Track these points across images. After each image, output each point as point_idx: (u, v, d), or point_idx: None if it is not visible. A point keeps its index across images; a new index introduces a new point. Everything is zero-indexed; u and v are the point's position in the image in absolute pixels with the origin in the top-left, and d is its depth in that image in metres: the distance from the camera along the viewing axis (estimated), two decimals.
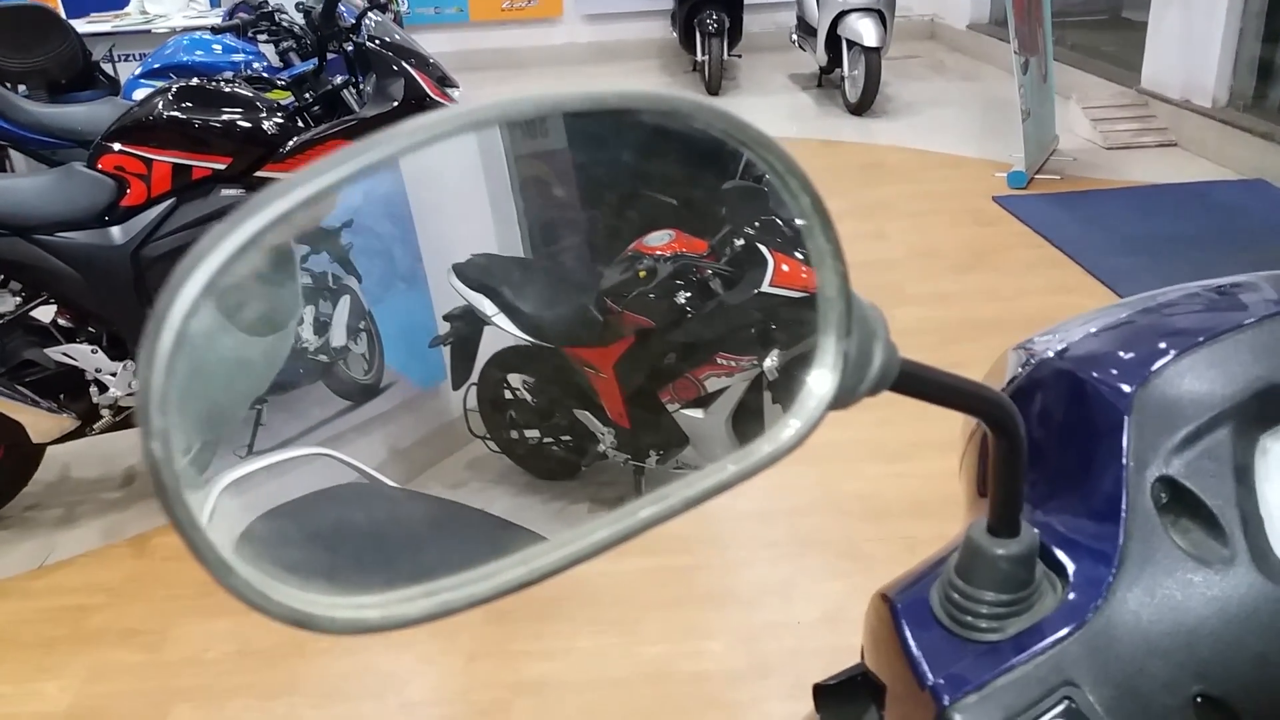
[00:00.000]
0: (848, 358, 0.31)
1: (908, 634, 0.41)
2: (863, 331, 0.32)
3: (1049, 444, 0.45)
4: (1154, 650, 0.38)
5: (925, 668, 0.39)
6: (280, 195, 0.23)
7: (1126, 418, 0.42)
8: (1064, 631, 0.38)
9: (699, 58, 6.94)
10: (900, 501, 2.51)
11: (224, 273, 0.22)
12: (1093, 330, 0.49)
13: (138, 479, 2.83)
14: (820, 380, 0.31)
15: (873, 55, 5.98)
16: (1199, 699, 0.37)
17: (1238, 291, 0.50)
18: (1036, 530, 0.41)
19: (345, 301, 0.95)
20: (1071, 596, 0.40)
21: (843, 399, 0.32)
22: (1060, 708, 0.36)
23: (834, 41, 6.28)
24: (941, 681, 0.38)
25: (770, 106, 6.71)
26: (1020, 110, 4.69)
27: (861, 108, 6.22)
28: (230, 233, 0.22)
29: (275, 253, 0.55)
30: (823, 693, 0.47)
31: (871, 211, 4.64)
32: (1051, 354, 0.48)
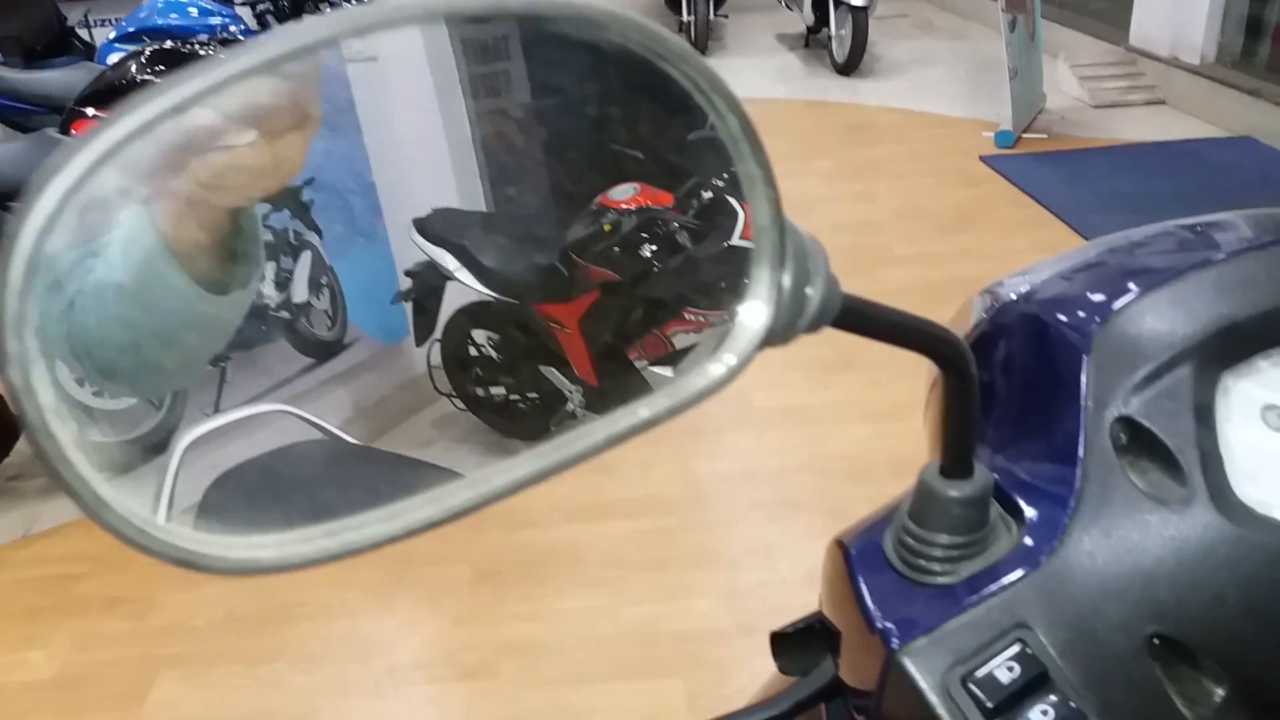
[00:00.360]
0: (783, 290, 0.30)
1: (860, 578, 0.40)
2: (800, 263, 0.30)
3: (1010, 387, 0.44)
4: (1109, 591, 0.37)
5: (875, 611, 0.38)
6: (135, 109, 0.21)
7: (1086, 357, 0.41)
8: (1018, 574, 0.38)
9: (685, 18, 6.86)
10: (887, 462, 2.51)
11: (82, 185, 0.20)
12: (1058, 271, 0.48)
13: None
14: (754, 313, 0.29)
15: (860, 14, 5.91)
16: (1155, 640, 0.36)
17: (1209, 229, 0.49)
18: (990, 471, 0.40)
19: (306, 257, 0.94)
20: (1026, 538, 0.39)
21: (780, 334, 0.30)
22: (1013, 650, 0.36)
23: (821, 0, 6.21)
24: (891, 625, 0.38)
25: (757, 67, 6.64)
26: (1008, 69, 4.65)
27: (849, 67, 6.16)
28: (90, 141, 0.21)
29: (237, 212, 0.53)
30: (780, 640, 0.46)
31: (859, 172, 4.61)
32: (1014, 296, 0.47)
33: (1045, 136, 4.85)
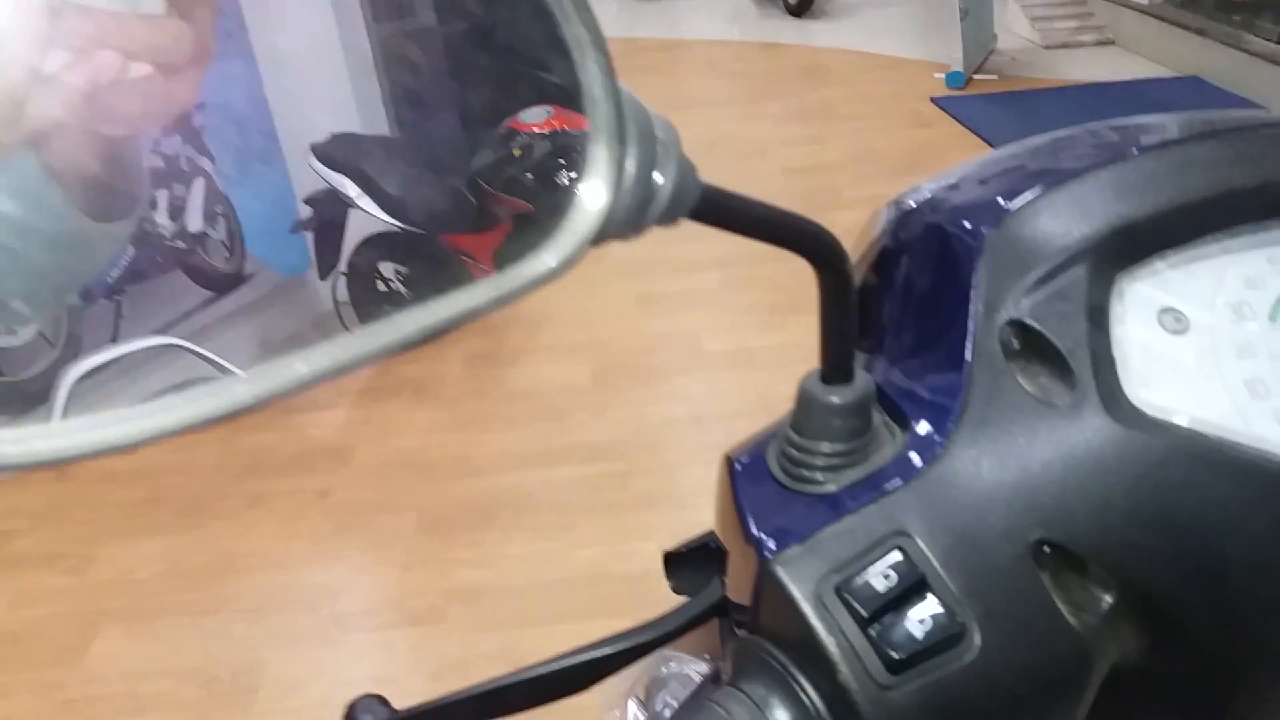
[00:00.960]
0: (625, 172, 0.27)
1: (740, 490, 0.39)
2: (646, 145, 0.28)
3: (906, 296, 0.43)
4: (994, 498, 0.36)
5: (752, 522, 0.37)
6: None
7: (978, 260, 0.39)
8: (899, 480, 0.36)
9: None
10: None
11: None
12: (961, 176, 0.46)
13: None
14: (592, 195, 0.27)
15: None
16: (1043, 547, 0.35)
17: (1118, 131, 0.47)
18: (872, 377, 0.39)
19: (199, 185, 0.89)
20: (909, 445, 0.38)
21: (627, 224, 0.28)
22: (891, 558, 0.34)
23: None
24: (765, 534, 0.36)
25: (709, 9, 6.54)
26: (959, 9, 4.62)
27: (801, 9, 6.09)
28: None
29: (126, 140, 0.50)
30: (672, 560, 0.45)
31: (811, 115, 4.58)
32: (914, 204, 0.45)
33: (996, 77, 4.84)
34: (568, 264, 0.26)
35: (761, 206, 0.33)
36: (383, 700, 0.41)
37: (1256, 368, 0.38)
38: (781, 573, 0.35)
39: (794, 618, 0.34)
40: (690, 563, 0.45)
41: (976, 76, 4.82)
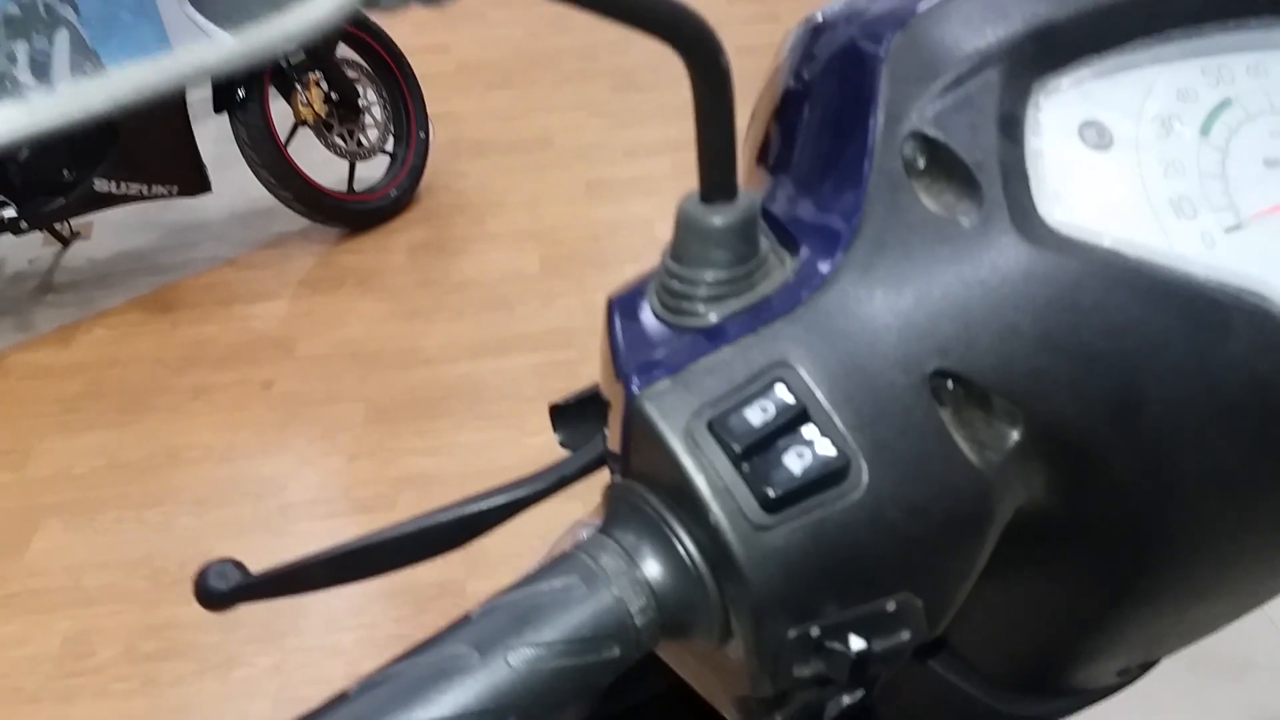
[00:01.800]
0: None
1: (616, 327, 0.35)
2: None
3: (809, 114, 0.39)
4: (888, 325, 0.33)
5: (621, 357, 0.34)
6: None
7: (882, 68, 0.35)
8: (785, 308, 0.33)
9: None
10: None
11: None
12: None
13: None
14: None
15: None
16: (942, 379, 0.33)
17: None
18: (756, 193, 0.35)
19: (63, 38, 0.82)
20: (799, 271, 0.34)
21: None
22: (770, 390, 0.31)
23: None
24: (633, 369, 0.33)
25: None
26: None
27: None
28: None
29: None
30: (558, 413, 0.42)
31: None
32: (823, 17, 0.41)
33: None
34: (344, 9, 0.22)
35: None
36: (238, 564, 0.39)
37: (1184, 186, 0.35)
38: (649, 408, 0.31)
39: (663, 456, 0.31)
40: (577, 416, 0.42)
41: None
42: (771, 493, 0.30)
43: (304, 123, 2.66)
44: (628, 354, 0.33)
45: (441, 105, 3.14)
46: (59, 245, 2.78)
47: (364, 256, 2.72)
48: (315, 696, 0.29)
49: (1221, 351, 0.33)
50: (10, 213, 2.31)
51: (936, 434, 0.32)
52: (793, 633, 0.31)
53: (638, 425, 0.32)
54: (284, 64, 2.54)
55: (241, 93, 2.44)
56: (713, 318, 0.33)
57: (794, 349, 0.32)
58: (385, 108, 2.84)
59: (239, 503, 1.99)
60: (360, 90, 2.75)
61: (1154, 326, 0.33)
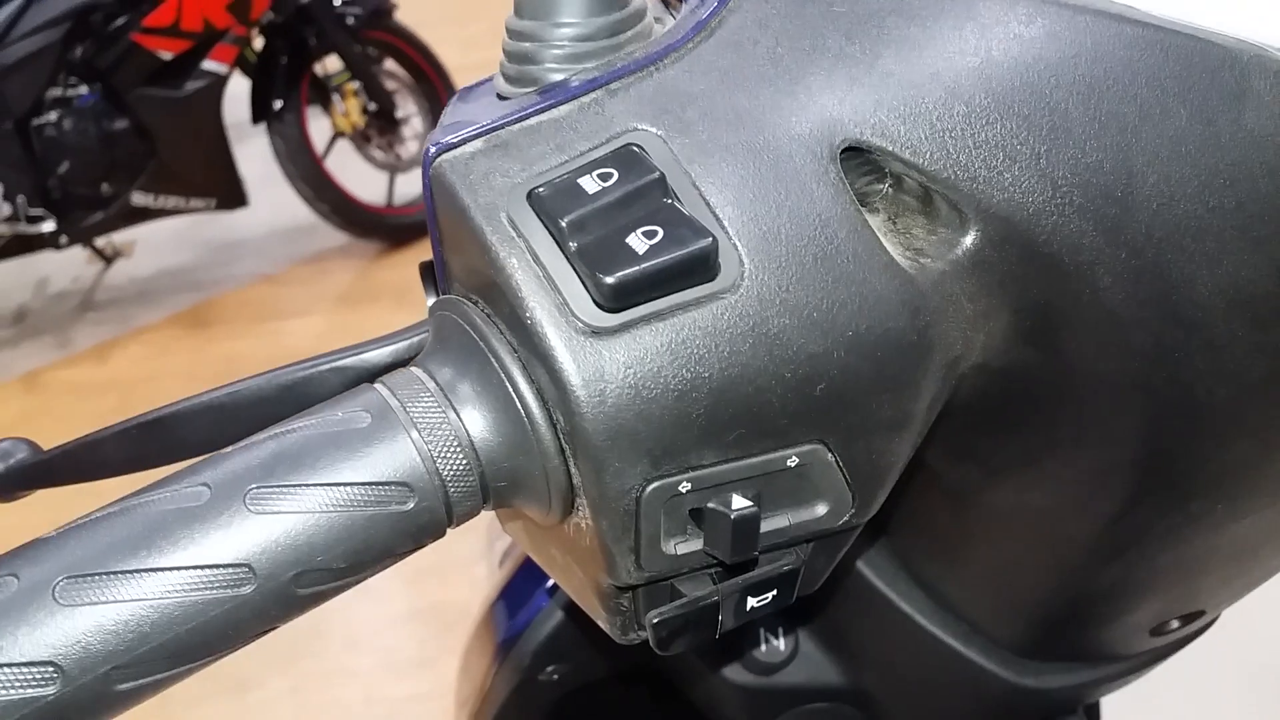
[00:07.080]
0: None
1: (448, 108, 0.27)
2: None
3: None
4: (783, 89, 0.24)
5: (436, 132, 0.25)
6: None
7: None
8: (646, 65, 0.25)
9: None
10: None
11: None
12: None
13: (29, 314, 2.66)
14: None
15: None
16: (859, 158, 0.24)
17: None
18: None
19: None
20: (678, 24, 0.26)
21: None
22: (618, 155, 0.23)
23: None
24: (439, 133, 0.25)
25: None
26: None
27: None
28: None
29: None
30: (429, 270, 0.34)
31: None
32: None
33: None
34: None
35: None
36: (30, 442, 0.32)
37: None
38: (450, 174, 0.24)
39: (470, 242, 0.23)
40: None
41: None
42: (609, 280, 0.21)
43: (342, 134, 2.63)
44: (439, 125, 0.25)
45: None
46: (102, 263, 2.79)
47: (401, 272, 2.67)
48: None
49: (1238, 122, 0.23)
50: (50, 226, 2.31)
51: (847, 222, 0.23)
52: (651, 486, 0.23)
53: (441, 202, 0.24)
54: (321, 74, 2.52)
55: (279, 104, 2.42)
56: (555, 77, 0.25)
57: (652, 110, 0.24)
58: (425, 119, 2.80)
59: None
60: (399, 101, 2.72)
61: (1150, 87, 0.23)
